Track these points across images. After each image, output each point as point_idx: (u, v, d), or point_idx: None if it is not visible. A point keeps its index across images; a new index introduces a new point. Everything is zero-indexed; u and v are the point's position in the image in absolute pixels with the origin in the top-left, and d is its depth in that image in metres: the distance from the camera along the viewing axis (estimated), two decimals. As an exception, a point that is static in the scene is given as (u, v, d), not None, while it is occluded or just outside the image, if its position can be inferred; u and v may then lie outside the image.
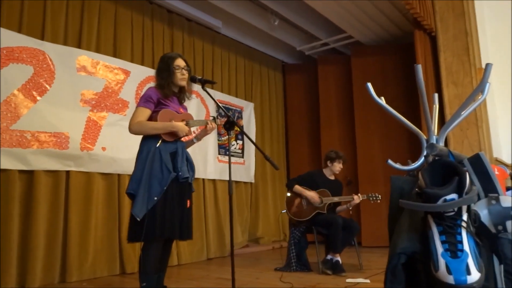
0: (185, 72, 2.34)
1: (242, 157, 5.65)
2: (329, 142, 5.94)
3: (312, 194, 3.76)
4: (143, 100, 2.26)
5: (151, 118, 2.27)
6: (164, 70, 2.32)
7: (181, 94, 2.41)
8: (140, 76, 4.30)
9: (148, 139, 2.26)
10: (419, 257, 1.03)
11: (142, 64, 4.44)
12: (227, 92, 5.57)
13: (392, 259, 1.05)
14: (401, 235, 1.08)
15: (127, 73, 4.19)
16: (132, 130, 2.23)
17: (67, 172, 3.61)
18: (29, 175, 3.39)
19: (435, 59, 4.84)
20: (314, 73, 6.40)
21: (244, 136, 5.69)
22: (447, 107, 4.56)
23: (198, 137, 2.44)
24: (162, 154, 2.20)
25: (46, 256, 3.38)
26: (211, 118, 2.42)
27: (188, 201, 2.29)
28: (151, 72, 4.41)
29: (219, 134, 5.32)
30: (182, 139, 2.37)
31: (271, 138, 6.30)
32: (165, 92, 2.30)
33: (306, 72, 6.63)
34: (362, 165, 5.59)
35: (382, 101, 1.38)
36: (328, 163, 3.96)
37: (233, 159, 5.47)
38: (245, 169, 5.65)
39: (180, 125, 2.26)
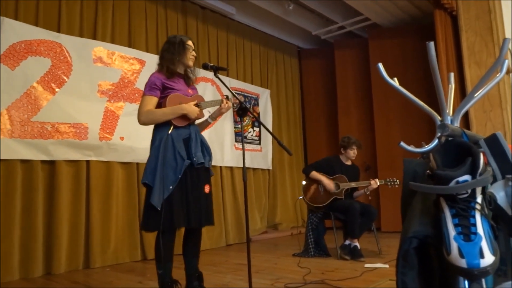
0: (194, 53, 2.31)
1: (259, 144, 5.64)
2: (347, 128, 5.87)
3: (328, 182, 3.74)
4: (148, 88, 2.19)
5: (160, 106, 2.20)
6: (177, 45, 2.24)
7: (188, 78, 2.33)
8: (155, 66, 4.29)
9: (159, 127, 2.21)
10: (431, 241, 1.00)
11: (157, 53, 4.43)
12: (242, 79, 5.55)
13: (403, 243, 1.02)
14: (413, 219, 1.06)
15: (142, 62, 4.21)
16: (142, 120, 2.16)
17: (87, 161, 3.69)
18: (51, 166, 3.48)
19: (456, 39, 4.67)
20: (330, 58, 6.29)
21: (261, 125, 5.66)
22: (469, 88, 4.41)
23: (213, 117, 2.37)
24: (175, 141, 2.15)
25: (70, 243, 3.49)
26: (225, 96, 2.37)
27: (207, 186, 2.24)
28: (166, 61, 4.42)
29: (235, 122, 5.31)
30: (196, 121, 2.33)
31: (288, 125, 6.27)
32: (171, 70, 2.22)
33: (323, 57, 6.52)
34: (381, 151, 5.50)
35: (394, 82, 1.33)
36: (342, 150, 3.95)
37: (250, 146, 5.47)
38: (263, 156, 5.65)
39: (189, 107, 2.20)
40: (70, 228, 3.51)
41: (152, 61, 4.29)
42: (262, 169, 5.68)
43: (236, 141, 5.24)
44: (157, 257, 2.11)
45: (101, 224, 3.70)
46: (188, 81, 2.35)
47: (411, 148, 1.21)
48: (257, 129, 5.66)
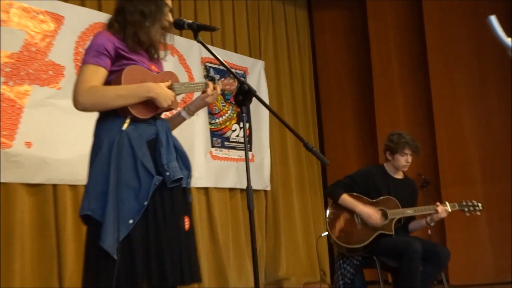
0: (171, 18, 2.36)
1: (250, 149, 5.61)
2: (389, 118, 5.93)
3: (369, 212, 3.75)
4: (93, 53, 2.18)
5: (109, 84, 2.21)
6: (151, 3, 2.27)
7: (152, 48, 2.39)
8: (80, 24, 4.27)
9: (107, 120, 2.21)
10: None
11: (83, 4, 4.41)
12: (220, 45, 5.54)
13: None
14: None
15: (59, 19, 4.15)
16: (82, 102, 2.14)
17: (-29, 184, 3.62)
18: None
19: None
20: (360, 9, 6.36)
21: (252, 118, 5.65)
22: None
23: (191, 109, 2.41)
24: (134, 145, 2.16)
25: None
26: (209, 78, 2.40)
27: (187, 220, 2.28)
28: (98, 16, 4.36)
29: (211, 114, 5.27)
30: (163, 115, 2.34)
31: (294, 115, 6.30)
32: (139, 40, 2.26)
33: (347, 8, 6.57)
34: (445, 155, 5.56)
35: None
36: (388, 155, 3.98)
37: (235, 153, 5.47)
38: (255, 168, 5.64)
39: (159, 88, 2.22)
40: None
41: (76, 17, 4.25)
42: (256, 190, 5.65)
43: (213, 146, 5.21)
44: None
45: (-3, 288, 3.62)
46: (151, 53, 2.39)
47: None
48: (243, 125, 5.63)
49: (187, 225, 2.27)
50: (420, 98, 5.90)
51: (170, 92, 2.24)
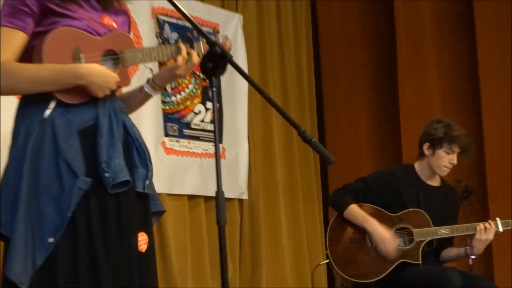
0: None
1: (220, 141, 5.54)
2: (417, 103, 5.99)
3: (384, 235, 3.77)
4: (7, 10, 2.20)
5: (33, 50, 2.23)
6: None
7: None
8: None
9: (28, 103, 2.27)
10: None
11: None
12: (180, -7, 5.47)
13: None
14: None
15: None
16: None
17: None
18: None
19: None
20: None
21: (224, 96, 5.66)
22: None
23: (156, 82, 2.46)
24: (58, 135, 2.18)
25: None
26: (184, 39, 2.40)
27: (143, 236, 2.34)
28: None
29: (164, 89, 5.19)
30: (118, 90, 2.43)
31: (283, 94, 6.35)
32: None
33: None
34: (495, 155, 5.62)
35: None
36: (425, 149, 3.99)
37: (198, 146, 5.49)
38: (228, 168, 5.67)
39: (92, 76, 2.22)
40: None
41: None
42: (228, 199, 5.59)
43: (167, 135, 5.21)
44: None
45: None
46: (105, 1, 2.42)
47: None
48: (212, 105, 5.58)
49: (143, 244, 2.33)
50: (462, 75, 5.92)
51: (109, 77, 2.26)
